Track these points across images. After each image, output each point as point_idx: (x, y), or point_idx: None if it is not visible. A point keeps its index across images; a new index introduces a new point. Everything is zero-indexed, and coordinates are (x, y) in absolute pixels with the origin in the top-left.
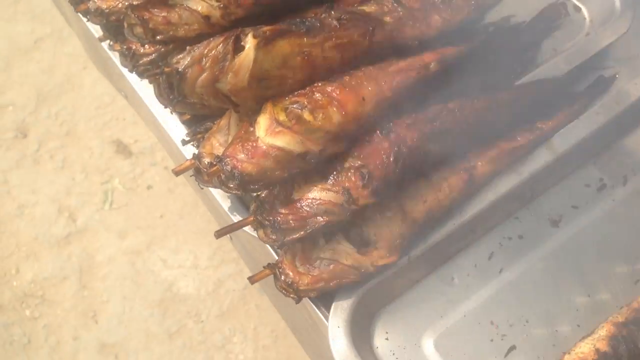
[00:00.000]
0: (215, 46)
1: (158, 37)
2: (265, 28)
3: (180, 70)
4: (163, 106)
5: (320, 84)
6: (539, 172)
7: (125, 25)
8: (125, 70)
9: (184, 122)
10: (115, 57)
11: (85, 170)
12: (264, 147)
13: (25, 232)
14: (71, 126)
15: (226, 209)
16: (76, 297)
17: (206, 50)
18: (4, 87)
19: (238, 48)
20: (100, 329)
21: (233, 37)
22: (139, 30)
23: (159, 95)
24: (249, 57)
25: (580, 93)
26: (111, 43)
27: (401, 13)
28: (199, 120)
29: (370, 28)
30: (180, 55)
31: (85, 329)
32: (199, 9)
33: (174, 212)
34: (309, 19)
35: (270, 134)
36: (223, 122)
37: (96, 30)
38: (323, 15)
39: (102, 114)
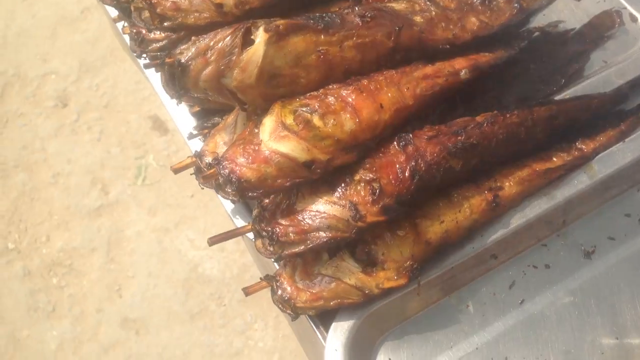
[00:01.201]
0: (223, 38)
1: (166, 24)
2: (279, 22)
3: (182, 61)
4: (169, 97)
5: (335, 87)
6: (575, 198)
7: (133, 8)
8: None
9: (193, 114)
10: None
11: (121, 144)
12: (267, 152)
13: (59, 200)
14: (111, 98)
15: (229, 211)
16: (103, 270)
17: (212, 42)
18: (49, 55)
19: (247, 42)
20: (124, 303)
21: (242, 30)
22: (146, 15)
23: (165, 84)
24: (259, 52)
25: (629, 112)
26: (124, 25)
27: (434, 13)
28: (210, 114)
29: (397, 28)
30: (185, 46)
31: (109, 302)
32: None
33: (205, 193)
34: (330, 13)
35: (274, 138)
36: (230, 119)
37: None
38: (346, 10)
39: (142, 88)
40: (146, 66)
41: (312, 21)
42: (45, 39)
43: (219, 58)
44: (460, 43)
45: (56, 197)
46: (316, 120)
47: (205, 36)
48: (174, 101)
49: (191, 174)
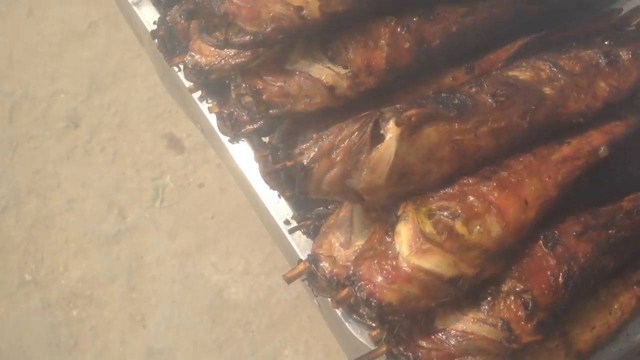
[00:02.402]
0: (349, 135)
1: (272, 111)
2: (410, 112)
3: (305, 164)
4: (269, 187)
5: (470, 181)
6: None
7: (233, 94)
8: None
9: (288, 199)
10: (204, 109)
11: (136, 165)
12: (408, 269)
13: (75, 227)
14: (123, 117)
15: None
16: (124, 299)
17: (337, 140)
18: (57, 73)
19: (376, 136)
20: (149, 333)
21: (371, 125)
22: (248, 99)
23: (265, 174)
24: (390, 149)
25: None
26: (207, 101)
27: (562, 81)
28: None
29: (532, 107)
30: (305, 145)
31: (133, 333)
32: (323, 78)
33: (226, 213)
34: (458, 94)
35: (415, 252)
36: (343, 213)
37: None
38: (473, 89)
39: (155, 105)
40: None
41: (442, 106)
42: (53, 56)
43: (345, 158)
44: (592, 114)
45: (72, 224)
46: (459, 226)
47: (328, 132)
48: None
49: (303, 279)
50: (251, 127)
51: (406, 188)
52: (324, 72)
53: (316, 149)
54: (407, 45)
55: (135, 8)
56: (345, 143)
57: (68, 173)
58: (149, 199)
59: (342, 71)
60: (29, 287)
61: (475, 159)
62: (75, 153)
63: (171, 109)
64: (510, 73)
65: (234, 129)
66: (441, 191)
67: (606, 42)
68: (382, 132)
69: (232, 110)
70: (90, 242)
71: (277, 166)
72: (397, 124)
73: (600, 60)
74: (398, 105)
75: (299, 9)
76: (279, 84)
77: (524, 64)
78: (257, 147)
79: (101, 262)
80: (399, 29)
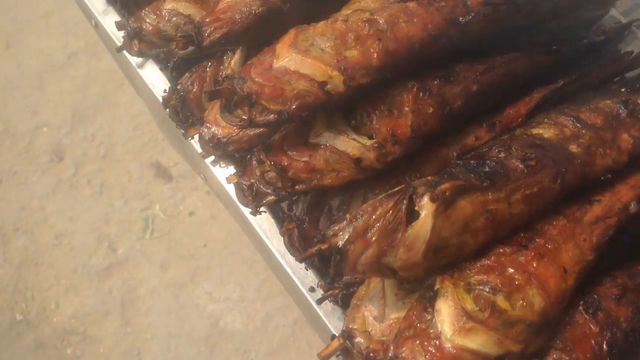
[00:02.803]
0: (384, 214)
1: (298, 187)
2: (443, 186)
3: (341, 247)
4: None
5: (507, 250)
6: None
7: (257, 172)
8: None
9: (312, 266)
10: (222, 179)
11: (124, 196)
12: (453, 350)
13: (64, 263)
14: (108, 148)
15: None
16: (119, 334)
17: (372, 220)
18: (38, 106)
19: (410, 212)
20: None
21: (405, 202)
22: (272, 175)
23: (290, 245)
24: (426, 226)
25: None
26: (221, 165)
27: (587, 137)
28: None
29: (563, 169)
30: (339, 226)
31: None
32: (349, 150)
33: (218, 240)
34: (487, 161)
35: (458, 331)
36: (374, 285)
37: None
38: (502, 153)
39: (140, 134)
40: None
41: (473, 175)
42: (33, 89)
43: (381, 238)
44: (618, 167)
45: (61, 260)
46: (501, 301)
47: (362, 212)
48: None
49: (337, 355)
50: (273, 198)
51: (442, 261)
52: (350, 144)
53: (351, 230)
54: (430, 110)
55: (139, 71)
56: (380, 222)
57: (55, 208)
58: (139, 230)
59: (368, 142)
60: (21, 327)
61: (509, 227)
62: (61, 187)
63: (157, 138)
64: (535, 131)
65: (255, 200)
66: (478, 263)
67: (622, 90)
68: (416, 208)
69: (253, 181)
70: (81, 277)
71: (312, 250)
72: (432, 200)
73: (620, 111)
74: (430, 178)
75: (323, 84)
76: (304, 159)
77: (545, 119)
78: (281, 218)
79: (93, 297)
80: (421, 94)
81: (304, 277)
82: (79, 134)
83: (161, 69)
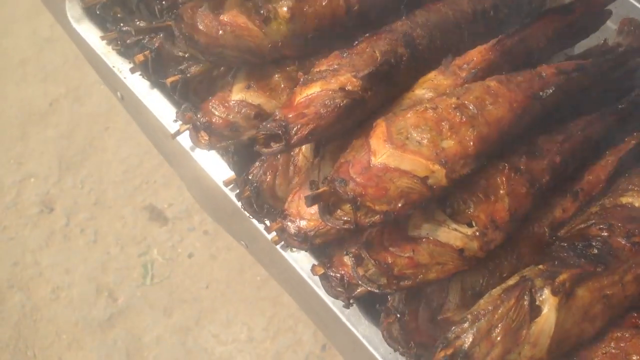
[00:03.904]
0: (506, 312)
1: (403, 283)
2: (562, 278)
3: (466, 350)
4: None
5: (626, 335)
6: None
7: (360, 271)
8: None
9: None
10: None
11: (119, 243)
12: None
13: (64, 317)
14: (99, 194)
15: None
16: None
17: (495, 319)
18: (23, 157)
19: (532, 308)
20: None
21: (527, 299)
22: (372, 271)
23: (391, 339)
24: (550, 320)
25: None
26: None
27: None
28: None
29: None
30: (460, 327)
31: None
32: (452, 242)
33: (220, 280)
34: (593, 242)
35: None
36: None
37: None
38: (604, 232)
39: (131, 177)
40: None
41: (584, 260)
42: (17, 140)
43: (505, 337)
44: None
45: (61, 314)
46: None
47: (482, 311)
48: None
49: None
50: (366, 288)
51: (562, 352)
52: (452, 235)
53: (474, 331)
54: (524, 190)
55: (194, 155)
56: (504, 321)
57: (49, 261)
58: (138, 277)
59: (469, 231)
60: None
61: (623, 309)
62: (53, 239)
63: (148, 180)
64: (624, 200)
65: (347, 292)
66: (599, 351)
67: None
68: (537, 303)
69: (343, 272)
70: (82, 330)
71: (440, 356)
72: (554, 294)
73: None
74: (542, 267)
75: (425, 179)
76: (407, 254)
77: (630, 186)
78: (379, 310)
79: (97, 350)
80: (512, 174)
81: None
82: (68, 183)
83: (221, 155)
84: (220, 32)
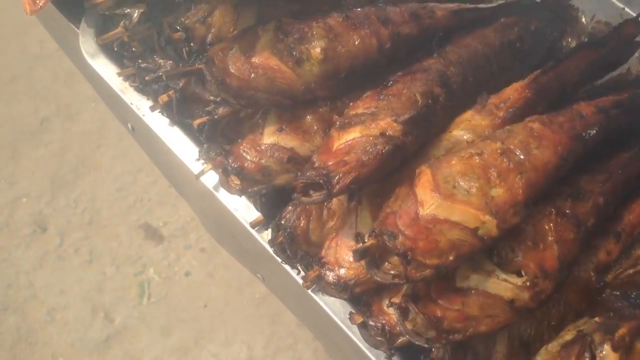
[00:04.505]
0: None
1: (453, 337)
2: (621, 332)
3: None
4: None
5: None
6: None
7: (408, 325)
8: None
9: None
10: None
11: (115, 262)
12: None
13: (60, 339)
14: (93, 213)
15: None
16: None
17: None
18: (14, 176)
19: None
20: None
21: (588, 356)
22: (420, 324)
23: None
24: None
25: None
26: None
27: None
28: None
29: None
30: None
31: None
32: (502, 293)
33: (218, 299)
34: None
35: None
36: None
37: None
38: None
39: (125, 196)
40: None
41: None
42: (8, 159)
43: None
44: None
45: (56, 336)
46: None
47: None
48: None
49: None
50: (407, 338)
51: None
52: (502, 286)
53: None
54: (571, 235)
55: (219, 196)
56: None
57: (43, 282)
58: (135, 297)
59: (519, 281)
60: None
61: None
62: (47, 259)
63: (142, 197)
64: None
65: (388, 342)
66: None
67: None
68: (597, 359)
69: (384, 322)
70: (79, 352)
71: None
72: (615, 350)
73: None
74: (598, 320)
75: (476, 230)
76: (456, 307)
77: None
78: None
79: None
80: (559, 219)
81: None
82: (61, 202)
83: (248, 196)
84: (253, 75)
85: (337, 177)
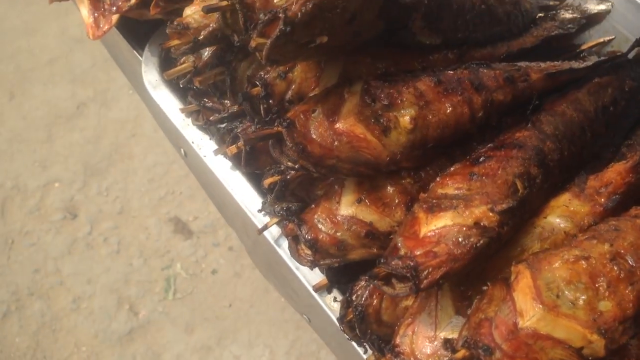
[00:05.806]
0: None
1: None
2: None
3: None
4: None
5: None
6: None
7: None
8: None
9: None
10: None
11: (143, 255)
12: None
13: (84, 328)
14: (124, 203)
15: None
16: None
17: None
18: (48, 160)
19: None
20: None
21: None
22: None
23: None
24: None
25: None
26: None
27: None
28: None
29: None
30: None
31: None
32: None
33: (244, 299)
34: None
35: None
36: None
37: None
38: None
39: (156, 187)
40: None
41: None
42: (42, 142)
43: None
44: None
45: (80, 325)
46: None
47: None
48: None
49: None
50: None
51: None
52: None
53: None
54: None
55: (278, 249)
56: None
57: (71, 269)
58: (160, 291)
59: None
60: None
61: None
62: (76, 247)
63: (174, 191)
64: None
65: None
66: None
67: None
68: None
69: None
70: (102, 343)
71: None
72: None
73: None
74: None
75: (581, 349)
76: None
77: None
78: None
79: None
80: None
81: None
82: (93, 189)
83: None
84: (336, 143)
85: (425, 272)
